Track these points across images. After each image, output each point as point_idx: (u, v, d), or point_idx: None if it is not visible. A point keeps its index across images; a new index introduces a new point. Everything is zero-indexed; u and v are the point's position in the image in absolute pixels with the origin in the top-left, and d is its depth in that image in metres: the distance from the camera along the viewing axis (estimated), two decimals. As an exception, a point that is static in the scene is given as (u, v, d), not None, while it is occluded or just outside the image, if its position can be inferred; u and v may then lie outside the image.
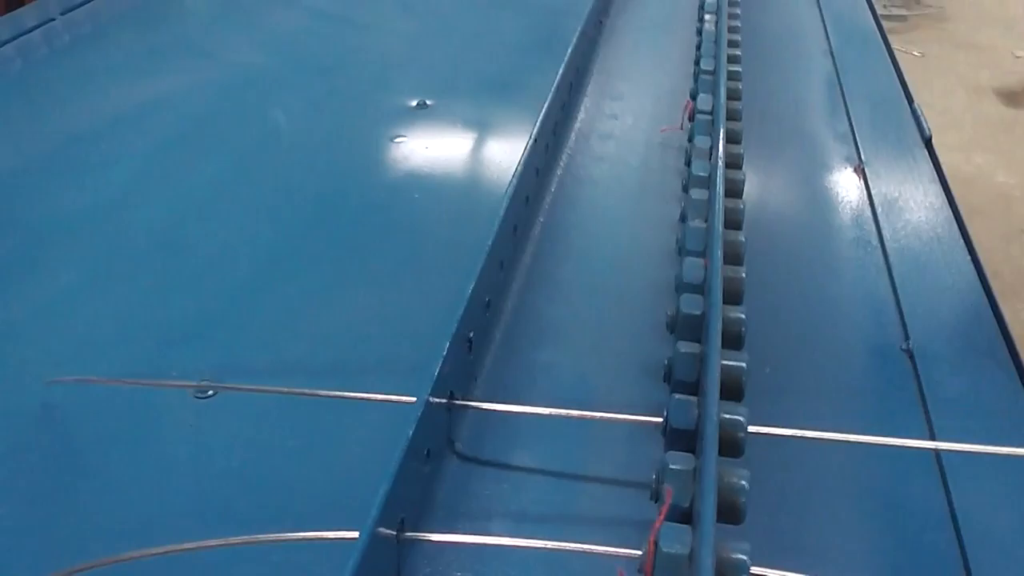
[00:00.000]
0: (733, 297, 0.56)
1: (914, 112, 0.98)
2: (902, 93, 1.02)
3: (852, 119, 0.95)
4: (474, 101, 0.93)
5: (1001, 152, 3.00)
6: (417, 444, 0.44)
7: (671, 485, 0.42)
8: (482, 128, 0.87)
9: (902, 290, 0.69)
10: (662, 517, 0.41)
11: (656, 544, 0.39)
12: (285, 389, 0.54)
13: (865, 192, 0.83)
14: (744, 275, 0.58)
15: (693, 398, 0.47)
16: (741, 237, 0.62)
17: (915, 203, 0.82)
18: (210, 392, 0.55)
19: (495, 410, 0.53)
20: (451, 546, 0.45)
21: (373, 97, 0.94)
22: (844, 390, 0.61)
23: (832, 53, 1.11)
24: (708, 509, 0.39)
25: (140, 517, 0.47)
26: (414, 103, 0.91)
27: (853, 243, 0.76)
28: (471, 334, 0.54)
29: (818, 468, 0.54)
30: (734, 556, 0.40)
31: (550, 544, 0.44)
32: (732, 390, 0.49)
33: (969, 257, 0.74)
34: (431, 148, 0.85)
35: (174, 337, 0.60)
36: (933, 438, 0.57)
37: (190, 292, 0.65)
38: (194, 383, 0.55)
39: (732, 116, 0.78)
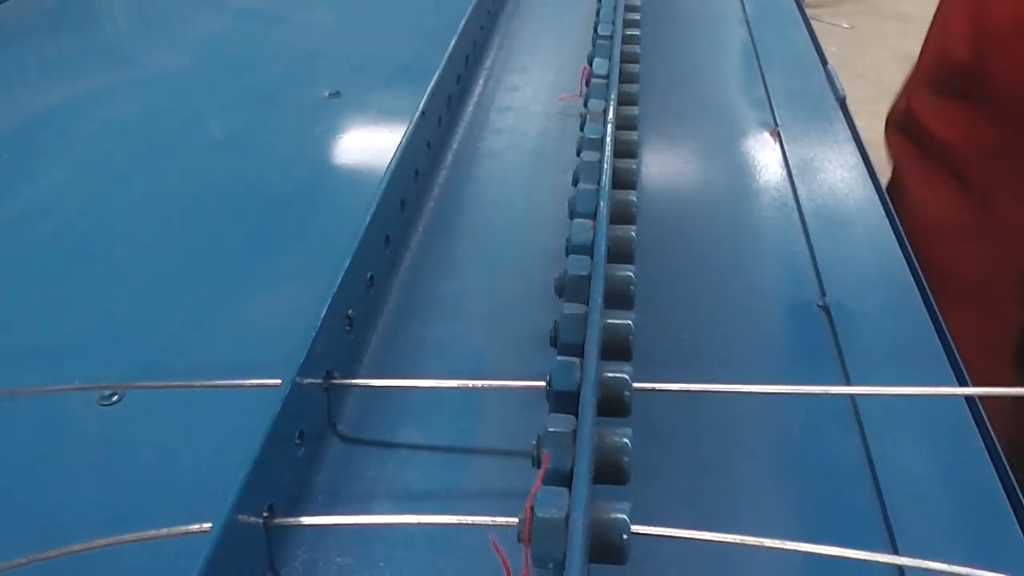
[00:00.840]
0: (623, 256, 0.55)
1: (828, 74, 0.98)
2: (816, 57, 1.02)
3: (767, 84, 0.94)
4: (387, 88, 0.91)
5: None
6: (284, 427, 0.42)
7: (549, 448, 0.41)
8: (393, 114, 0.85)
9: (818, 248, 0.69)
10: (539, 482, 0.39)
11: (532, 509, 0.38)
12: (167, 384, 0.52)
13: (781, 154, 0.82)
14: (634, 234, 0.56)
15: (576, 359, 0.45)
16: (632, 197, 0.60)
17: (830, 163, 0.82)
18: (115, 397, 0.53)
19: (377, 386, 0.51)
20: (331, 531, 0.43)
21: (285, 91, 0.92)
22: (763, 348, 0.61)
23: (748, 21, 1.10)
24: (583, 469, 0.37)
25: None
26: (327, 94, 0.89)
27: (769, 205, 0.75)
28: (350, 311, 0.52)
29: (730, 424, 0.53)
30: (613, 516, 0.38)
31: (430, 519, 0.42)
32: (618, 349, 0.48)
33: (884, 212, 0.74)
34: (343, 137, 0.82)
35: (78, 345, 0.57)
36: (854, 403, 0.56)
37: (97, 298, 0.62)
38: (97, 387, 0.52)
39: (629, 79, 0.77)
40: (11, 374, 0.54)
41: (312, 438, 0.46)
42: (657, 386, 0.46)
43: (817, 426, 0.54)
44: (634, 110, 0.71)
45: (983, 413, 0.56)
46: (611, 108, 0.67)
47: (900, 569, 0.45)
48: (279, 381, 0.43)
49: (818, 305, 0.63)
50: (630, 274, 0.52)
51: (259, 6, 1.15)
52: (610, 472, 0.41)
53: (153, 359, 0.55)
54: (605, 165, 0.60)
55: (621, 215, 0.59)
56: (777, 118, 0.87)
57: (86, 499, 0.47)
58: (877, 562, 0.42)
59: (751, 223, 0.73)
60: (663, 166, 0.81)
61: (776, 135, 0.85)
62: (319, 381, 0.47)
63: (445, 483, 0.47)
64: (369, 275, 0.56)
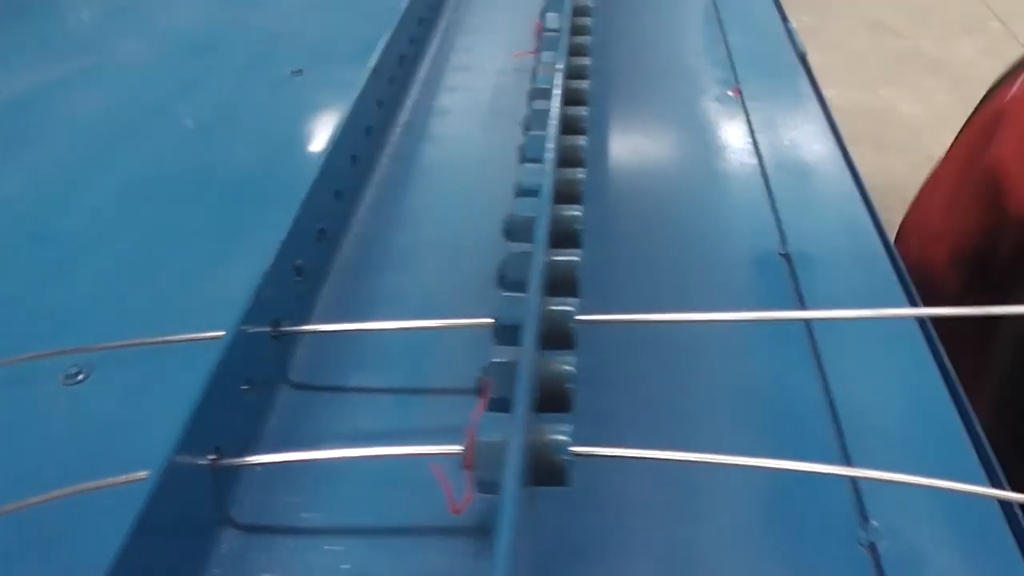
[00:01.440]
0: (571, 198, 0.55)
1: (788, 32, 0.98)
2: (777, 15, 1.02)
3: (728, 44, 0.95)
4: (349, 64, 0.90)
5: (905, 85, 3.08)
6: (229, 374, 0.42)
7: (492, 377, 0.41)
8: (356, 89, 0.85)
9: (779, 199, 0.70)
10: (480, 409, 0.40)
11: (473, 436, 0.38)
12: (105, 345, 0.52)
13: (743, 111, 0.83)
14: (583, 176, 0.57)
15: (521, 295, 0.46)
16: (581, 142, 0.60)
17: (791, 117, 0.82)
18: (80, 376, 0.52)
19: (327, 331, 0.51)
20: (283, 471, 0.44)
21: (249, 72, 0.91)
22: (726, 295, 0.61)
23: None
24: (522, 392, 0.38)
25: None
26: (289, 72, 0.88)
27: (732, 159, 0.76)
28: (299, 262, 0.52)
29: (692, 356, 0.54)
30: (555, 438, 0.39)
31: (375, 451, 0.42)
32: (565, 285, 0.48)
33: (844, 163, 0.75)
34: (306, 113, 0.82)
35: (44, 326, 0.57)
36: (811, 333, 0.57)
37: (61, 281, 0.61)
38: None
39: (580, 31, 0.77)
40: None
41: (262, 385, 0.47)
42: (602, 317, 0.47)
43: (776, 358, 0.55)
44: (585, 60, 0.72)
45: (935, 338, 0.57)
46: (562, 58, 0.68)
47: (853, 481, 0.46)
48: (223, 332, 0.43)
49: (780, 254, 0.64)
50: (577, 213, 0.53)
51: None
52: (554, 399, 0.42)
53: (119, 337, 0.54)
54: (554, 111, 0.60)
55: (571, 159, 0.59)
56: (739, 76, 0.88)
57: (48, 466, 0.46)
58: (831, 474, 0.43)
59: (715, 177, 0.74)
60: (629, 124, 0.81)
61: (738, 92, 0.86)
62: (267, 329, 0.47)
63: (395, 422, 0.47)
64: (320, 227, 0.56)
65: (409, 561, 0.40)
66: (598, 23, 0.85)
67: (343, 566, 0.40)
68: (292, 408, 0.48)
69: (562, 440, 0.38)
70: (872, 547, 0.43)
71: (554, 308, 0.45)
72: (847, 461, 0.48)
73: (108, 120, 0.82)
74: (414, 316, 0.55)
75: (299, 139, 0.79)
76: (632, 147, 0.79)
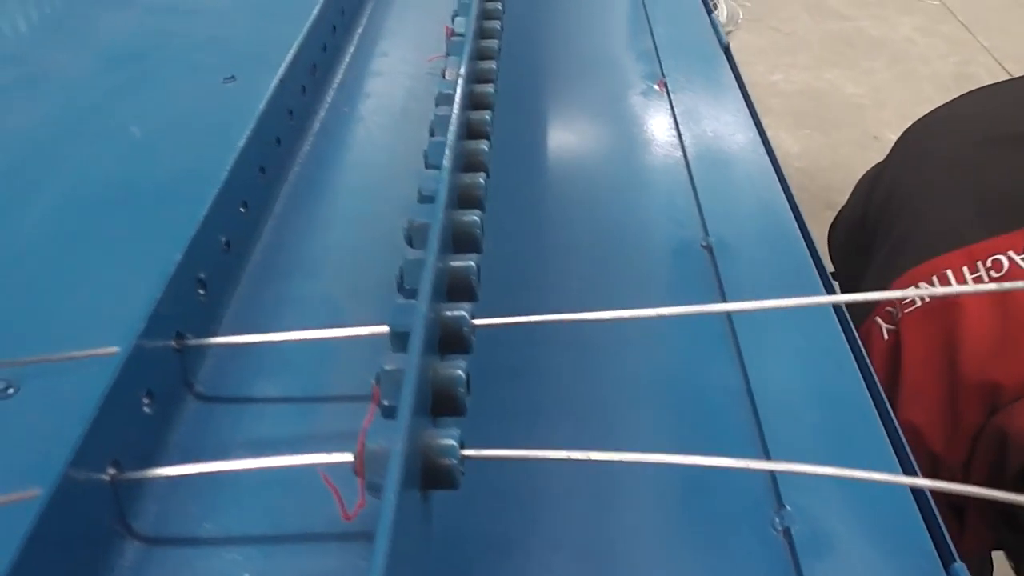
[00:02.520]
0: (472, 202, 0.57)
1: (712, 23, 1.01)
2: (702, 7, 1.04)
3: (655, 37, 0.96)
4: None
5: (847, 66, 3.14)
6: (127, 386, 0.43)
7: (382, 385, 0.42)
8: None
9: (701, 191, 0.72)
10: (370, 416, 0.41)
11: (363, 443, 0.40)
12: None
13: (668, 104, 0.85)
14: (483, 181, 0.58)
15: (414, 301, 0.47)
16: (483, 146, 0.62)
17: (714, 108, 0.84)
18: (9, 390, 0.53)
19: (229, 344, 0.52)
20: (183, 483, 0.45)
21: (179, 79, 0.91)
22: (647, 288, 0.64)
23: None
24: (407, 398, 0.39)
25: None
26: (221, 79, 0.88)
27: (657, 153, 0.78)
28: (202, 275, 0.53)
29: (606, 356, 0.56)
30: (442, 442, 0.40)
31: (269, 462, 0.43)
32: (461, 290, 0.50)
33: (764, 151, 0.77)
34: (237, 121, 0.82)
35: None
36: (731, 324, 0.59)
37: None
38: None
39: (488, 35, 0.78)
40: None
41: (163, 398, 0.47)
42: (497, 321, 0.48)
43: (697, 353, 0.56)
44: (491, 64, 0.73)
45: (853, 330, 0.59)
46: (463, 63, 0.69)
47: (772, 475, 0.48)
48: (116, 349, 0.44)
49: (701, 245, 0.66)
50: (476, 218, 0.54)
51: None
52: (445, 403, 0.43)
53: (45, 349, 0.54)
54: (454, 117, 0.61)
55: (472, 164, 0.61)
56: (664, 69, 0.90)
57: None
58: (749, 469, 0.45)
59: (639, 171, 0.76)
60: (555, 121, 0.83)
61: (663, 85, 0.87)
62: (169, 343, 0.48)
63: (297, 430, 0.48)
64: (224, 239, 0.57)
65: (305, 566, 0.41)
66: (522, 20, 0.86)
67: (243, 574, 0.41)
68: (196, 420, 0.49)
69: (449, 444, 0.40)
70: (787, 531, 0.45)
71: (449, 314, 0.47)
72: (765, 450, 0.50)
73: (33, 132, 0.82)
74: (321, 321, 0.56)
75: (230, 148, 0.79)
76: (557, 144, 0.81)
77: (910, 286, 0.90)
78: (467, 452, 0.40)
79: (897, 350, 0.89)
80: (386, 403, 0.42)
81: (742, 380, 0.55)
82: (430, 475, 0.40)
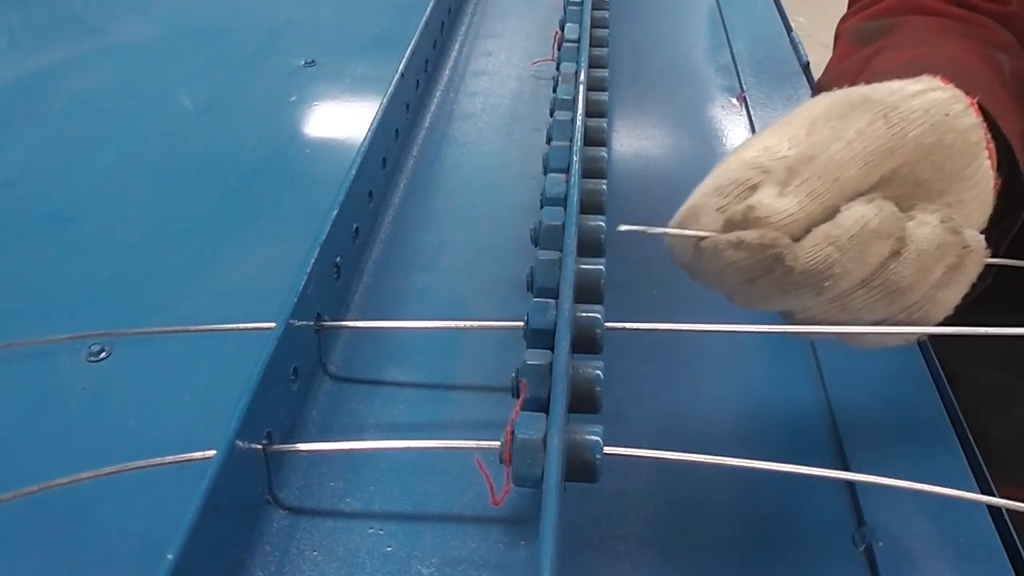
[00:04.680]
0: (595, 208, 0.58)
1: (792, 40, 1.01)
2: (781, 25, 1.05)
3: (734, 51, 0.97)
4: (361, 57, 0.93)
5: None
6: (280, 363, 0.45)
7: (527, 379, 0.44)
8: (367, 82, 0.88)
9: None
10: (518, 408, 0.43)
11: (512, 433, 0.41)
12: (163, 329, 0.54)
13: (747, 118, 0.85)
14: (605, 187, 0.60)
15: (552, 300, 0.49)
16: (602, 153, 0.63)
17: None
18: (103, 354, 0.55)
19: (364, 328, 0.54)
20: (325, 459, 0.47)
21: (259, 59, 0.93)
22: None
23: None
24: (559, 395, 0.41)
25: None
26: (302, 63, 0.91)
27: None
28: (338, 259, 0.54)
29: (700, 364, 0.57)
30: (587, 437, 0.41)
31: (418, 444, 0.45)
32: (590, 292, 0.51)
33: None
34: (318, 105, 0.84)
35: (63, 307, 0.59)
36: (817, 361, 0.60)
37: (78, 262, 0.63)
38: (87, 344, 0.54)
39: (598, 43, 0.80)
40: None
41: (305, 376, 0.49)
42: (628, 325, 0.50)
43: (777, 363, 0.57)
44: (604, 72, 0.74)
45: (931, 350, 0.60)
46: (582, 70, 0.70)
47: (851, 485, 0.49)
48: (273, 324, 0.46)
49: None
50: (601, 224, 0.56)
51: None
52: (584, 401, 0.45)
53: (138, 319, 0.56)
54: (577, 123, 0.63)
55: (592, 170, 0.62)
56: (743, 84, 0.90)
57: (77, 447, 0.49)
58: (829, 478, 0.46)
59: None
60: (633, 130, 0.84)
61: (742, 100, 0.88)
62: (311, 323, 0.50)
63: (429, 416, 0.50)
64: (355, 227, 0.59)
65: (448, 546, 0.43)
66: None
67: (387, 548, 0.43)
68: (331, 399, 0.51)
69: (594, 440, 0.41)
70: (868, 549, 0.46)
71: (583, 315, 0.48)
72: (845, 466, 0.51)
73: (118, 103, 0.84)
74: (442, 313, 0.58)
75: (313, 132, 0.81)
76: (638, 154, 0.82)
77: None
78: (609, 449, 0.42)
79: None
80: (531, 396, 0.43)
81: (823, 396, 0.55)
82: (573, 468, 0.42)
